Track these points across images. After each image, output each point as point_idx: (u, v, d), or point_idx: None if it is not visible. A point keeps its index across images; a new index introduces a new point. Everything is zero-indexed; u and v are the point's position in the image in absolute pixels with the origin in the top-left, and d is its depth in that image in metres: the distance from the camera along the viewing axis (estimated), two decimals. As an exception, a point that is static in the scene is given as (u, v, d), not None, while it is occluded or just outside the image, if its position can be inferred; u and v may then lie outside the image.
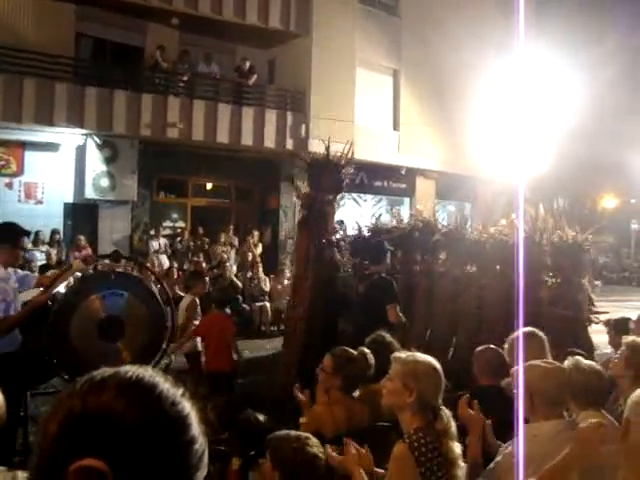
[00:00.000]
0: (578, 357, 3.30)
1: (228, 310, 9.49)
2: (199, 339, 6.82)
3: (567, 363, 3.17)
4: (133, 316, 5.24)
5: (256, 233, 15.37)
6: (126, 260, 6.84)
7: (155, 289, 5.87)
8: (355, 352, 3.96)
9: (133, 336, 5.18)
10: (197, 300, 7.13)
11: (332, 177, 7.70)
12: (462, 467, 2.77)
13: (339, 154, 7.80)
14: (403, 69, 18.05)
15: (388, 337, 4.52)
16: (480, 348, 4.23)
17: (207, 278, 9.20)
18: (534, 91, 17.04)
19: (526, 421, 2.78)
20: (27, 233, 5.28)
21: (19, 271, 5.23)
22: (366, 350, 4.07)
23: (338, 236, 8.27)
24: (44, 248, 13.40)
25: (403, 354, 3.01)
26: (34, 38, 13.43)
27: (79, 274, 5.63)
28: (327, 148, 7.74)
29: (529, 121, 17.53)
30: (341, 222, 10.00)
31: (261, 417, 3.88)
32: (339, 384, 3.78)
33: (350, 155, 7.83)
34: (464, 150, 18.20)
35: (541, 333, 3.84)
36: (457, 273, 7.72)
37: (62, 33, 14.05)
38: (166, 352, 5.78)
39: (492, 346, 4.15)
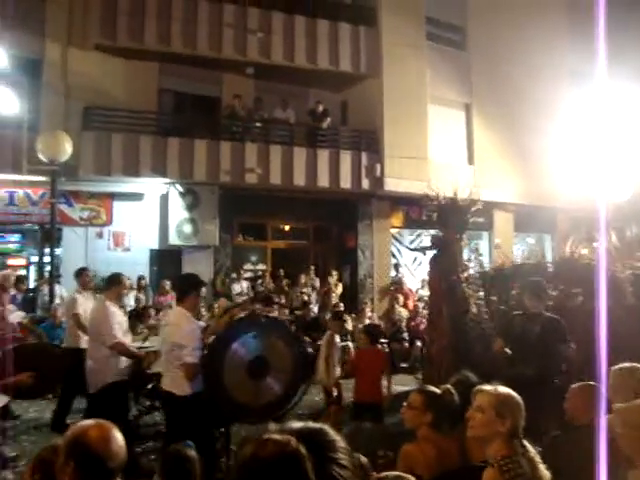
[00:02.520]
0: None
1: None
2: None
3: None
4: (278, 355, 5.68)
5: (335, 273, 15.46)
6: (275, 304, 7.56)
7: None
8: (439, 390, 3.99)
9: (279, 374, 5.64)
10: (336, 336, 7.76)
11: (459, 217, 7.98)
12: None
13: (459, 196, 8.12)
14: (475, 102, 18.00)
15: (473, 377, 4.50)
16: (579, 384, 4.11)
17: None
18: (611, 117, 16.69)
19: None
20: (205, 283, 5.91)
21: None
22: (451, 388, 4.07)
23: (471, 271, 8.40)
24: (133, 294, 13.88)
25: (486, 386, 3.07)
26: (121, 96, 14.23)
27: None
28: (455, 192, 8.03)
29: (608, 147, 17.14)
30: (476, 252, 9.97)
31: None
32: (429, 420, 3.79)
33: (472, 196, 8.11)
34: (541, 180, 17.89)
35: None
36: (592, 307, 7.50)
37: (146, 89, 14.82)
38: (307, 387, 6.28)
39: (591, 382, 4.03)
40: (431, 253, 8.62)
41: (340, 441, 1.31)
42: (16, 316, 9.21)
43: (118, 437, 2.34)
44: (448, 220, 8.00)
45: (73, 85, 14.04)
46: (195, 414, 5.03)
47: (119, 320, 6.32)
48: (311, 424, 1.33)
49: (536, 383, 5.42)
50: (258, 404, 5.56)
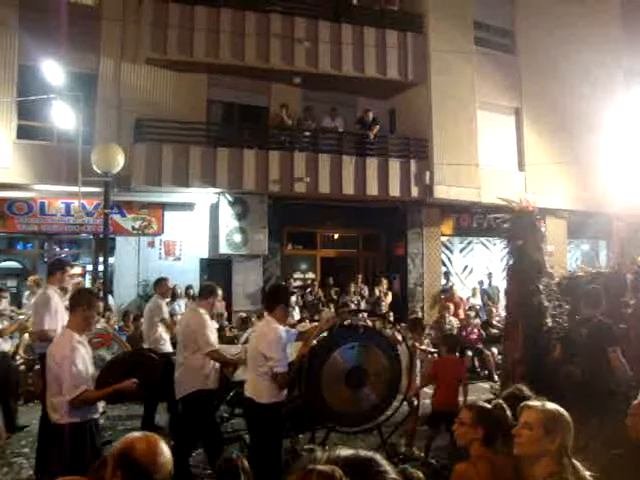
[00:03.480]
0: None
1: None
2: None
3: None
4: (375, 365, 5.86)
5: (385, 281, 15.37)
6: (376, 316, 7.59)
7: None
8: (490, 405, 3.88)
9: (376, 383, 5.83)
10: (417, 345, 7.94)
11: (533, 226, 7.96)
12: None
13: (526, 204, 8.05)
14: (525, 107, 17.68)
15: (526, 391, 4.39)
16: None
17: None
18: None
19: None
20: (293, 292, 6.18)
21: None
22: (502, 402, 3.93)
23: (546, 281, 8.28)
24: (182, 302, 14.07)
25: (534, 402, 2.99)
26: (171, 108, 14.48)
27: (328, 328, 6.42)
28: (534, 201, 8.01)
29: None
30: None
31: None
32: (481, 437, 3.66)
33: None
34: (595, 185, 17.47)
35: None
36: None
37: (195, 101, 15.05)
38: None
39: None
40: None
41: (391, 472, 1.28)
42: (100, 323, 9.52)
43: (165, 449, 2.35)
44: (522, 229, 7.89)
45: (125, 99, 14.39)
46: (275, 422, 5.23)
47: (213, 329, 6.58)
48: (362, 453, 1.30)
49: (583, 383, 5.57)
50: (353, 413, 5.76)
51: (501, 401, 3.97)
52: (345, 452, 1.30)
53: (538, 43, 17.42)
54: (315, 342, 6.01)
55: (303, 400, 5.50)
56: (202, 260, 15.31)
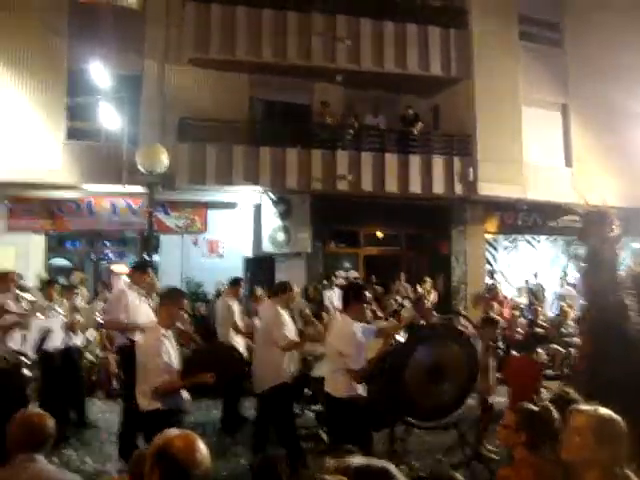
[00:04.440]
0: None
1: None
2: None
3: None
4: (454, 361, 5.92)
5: (429, 280, 15.23)
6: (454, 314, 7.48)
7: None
8: (537, 408, 3.76)
9: (454, 379, 5.91)
10: (491, 343, 7.92)
11: (604, 227, 7.83)
12: None
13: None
14: (572, 102, 17.29)
15: (573, 393, 4.28)
16: None
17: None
18: None
19: None
20: (366, 289, 6.32)
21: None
22: (549, 405, 3.83)
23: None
24: (225, 300, 14.19)
25: (585, 406, 2.83)
26: (214, 107, 14.58)
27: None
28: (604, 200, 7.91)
29: None
30: None
31: None
32: (524, 441, 3.55)
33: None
34: (644, 182, 17.00)
35: None
36: None
37: (237, 100, 15.13)
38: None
39: None
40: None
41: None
42: None
43: (202, 447, 2.37)
44: (597, 231, 7.74)
45: (169, 99, 14.58)
46: (355, 417, 5.33)
47: (290, 327, 6.77)
48: (374, 462, 1.27)
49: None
50: (434, 408, 5.87)
51: (548, 404, 3.87)
52: (358, 461, 1.28)
53: (587, 36, 16.95)
54: (396, 339, 6.12)
55: (384, 396, 5.60)
56: (245, 258, 15.42)
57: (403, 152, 15.33)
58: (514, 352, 12.83)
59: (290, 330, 6.72)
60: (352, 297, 5.70)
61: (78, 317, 8.76)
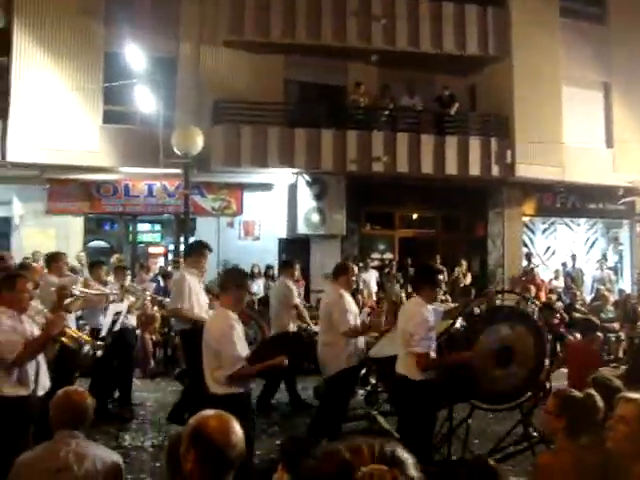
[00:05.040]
0: None
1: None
2: None
3: None
4: (522, 344, 5.86)
5: (464, 263, 15.08)
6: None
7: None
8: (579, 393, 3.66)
9: (523, 362, 5.86)
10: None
11: None
12: None
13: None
14: (615, 81, 16.84)
15: (616, 381, 4.18)
16: None
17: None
18: None
19: None
20: (441, 272, 6.38)
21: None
22: (593, 392, 3.72)
23: None
24: (260, 282, 14.28)
25: (633, 394, 2.74)
26: (248, 89, 14.55)
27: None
28: None
29: None
30: None
31: None
32: (563, 426, 3.45)
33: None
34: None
35: None
36: None
37: (272, 82, 15.08)
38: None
39: None
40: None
41: (412, 465, 1.25)
42: None
43: (237, 428, 2.37)
44: None
45: (204, 81, 14.59)
46: (427, 399, 5.30)
47: (352, 308, 6.70)
48: (386, 444, 1.26)
49: None
50: (500, 391, 5.84)
51: (592, 391, 3.78)
52: (368, 442, 1.26)
53: (632, 12, 16.46)
54: (461, 321, 6.08)
55: (449, 377, 5.52)
56: (280, 240, 15.45)
57: (439, 133, 15.15)
58: (549, 336, 12.69)
59: (353, 316, 6.66)
60: (426, 280, 5.61)
61: (131, 298, 8.87)
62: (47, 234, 14.02)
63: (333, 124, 14.75)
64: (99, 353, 6.97)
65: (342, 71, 16.03)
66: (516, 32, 15.65)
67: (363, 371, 8.24)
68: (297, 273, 9.86)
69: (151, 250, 16.90)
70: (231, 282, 5.09)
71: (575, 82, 16.32)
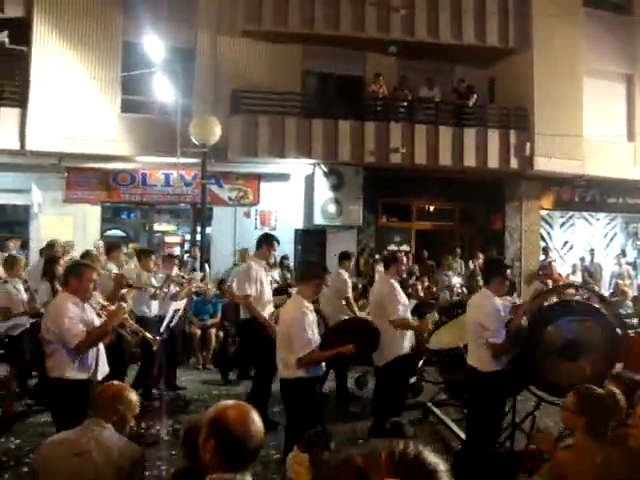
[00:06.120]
0: None
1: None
2: None
3: None
4: (591, 338, 5.83)
5: (481, 255, 14.99)
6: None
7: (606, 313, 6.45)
8: (601, 390, 3.61)
9: (592, 357, 5.78)
10: None
11: None
12: None
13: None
14: (638, 73, 16.63)
15: (636, 377, 4.11)
16: None
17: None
18: None
19: None
20: (510, 267, 6.40)
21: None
22: (615, 389, 3.68)
23: None
24: (276, 271, 14.23)
25: None
26: (266, 80, 14.52)
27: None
28: None
29: None
30: None
31: None
32: (583, 424, 3.40)
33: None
34: None
35: None
36: None
37: (290, 72, 15.02)
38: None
39: None
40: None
41: (442, 471, 1.17)
42: None
43: (256, 418, 2.35)
44: None
45: (222, 71, 14.57)
46: (497, 390, 5.46)
47: (403, 299, 6.83)
48: (410, 447, 1.18)
49: None
50: (567, 385, 5.78)
51: (614, 388, 3.71)
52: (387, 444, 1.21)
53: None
54: (528, 315, 6.11)
55: (516, 369, 5.63)
56: (297, 230, 15.43)
57: (458, 125, 15.03)
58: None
59: (404, 307, 6.79)
60: (494, 272, 5.73)
61: (177, 287, 8.92)
62: (65, 222, 14.08)
63: (351, 115, 14.68)
64: (155, 348, 7.13)
65: (360, 62, 15.94)
66: (537, 23, 15.44)
67: (421, 362, 8.34)
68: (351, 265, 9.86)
69: (167, 239, 16.94)
70: (312, 275, 5.38)
71: (597, 74, 16.08)
